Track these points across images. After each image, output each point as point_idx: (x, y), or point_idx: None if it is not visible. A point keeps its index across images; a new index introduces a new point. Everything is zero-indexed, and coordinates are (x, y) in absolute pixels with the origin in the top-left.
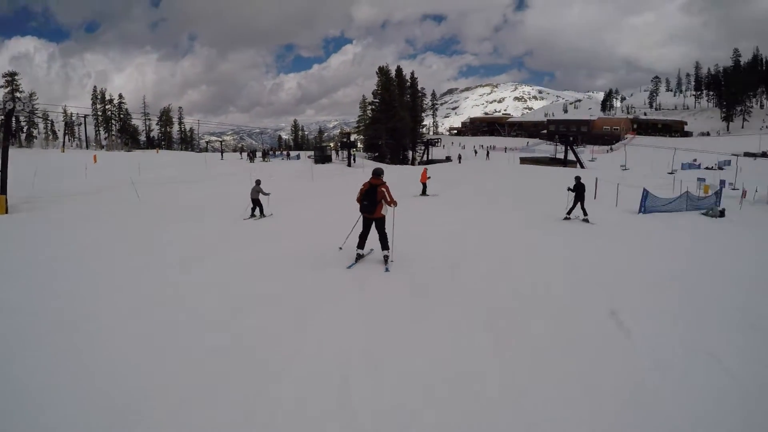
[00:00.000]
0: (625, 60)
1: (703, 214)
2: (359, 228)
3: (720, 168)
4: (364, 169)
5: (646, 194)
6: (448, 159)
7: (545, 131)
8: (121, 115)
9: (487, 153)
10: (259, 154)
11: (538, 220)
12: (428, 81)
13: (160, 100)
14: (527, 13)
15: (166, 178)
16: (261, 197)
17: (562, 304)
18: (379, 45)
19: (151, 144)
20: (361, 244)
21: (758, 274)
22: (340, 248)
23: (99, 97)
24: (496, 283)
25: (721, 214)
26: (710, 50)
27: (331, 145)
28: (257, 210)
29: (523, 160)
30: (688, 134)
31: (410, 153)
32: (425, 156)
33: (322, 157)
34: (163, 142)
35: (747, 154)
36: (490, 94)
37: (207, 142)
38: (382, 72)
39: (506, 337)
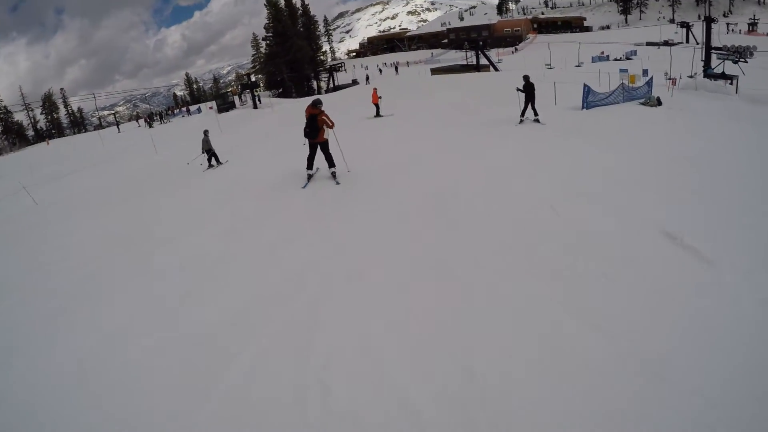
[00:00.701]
0: None
1: (641, 103)
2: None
3: (628, 58)
4: (273, 108)
5: (587, 90)
6: (354, 82)
7: (446, 41)
8: (1, 115)
9: (396, 69)
10: (156, 117)
11: (497, 126)
12: (317, 8)
13: (40, 87)
14: None
15: (67, 170)
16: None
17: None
18: None
19: (40, 137)
20: (309, 166)
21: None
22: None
23: None
24: (499, 206)
25: (659, 102)
26: None
27: (231, 90)
28: (213, 159)
29: (435, 71)
30: (588, 29)
31: (315, 83)
32: (330, 83)
33: (225, 105)
34: (53, 131)
35: (649, 44)
36: (382, 11)
37: (100, 119)
38: (271, 3)
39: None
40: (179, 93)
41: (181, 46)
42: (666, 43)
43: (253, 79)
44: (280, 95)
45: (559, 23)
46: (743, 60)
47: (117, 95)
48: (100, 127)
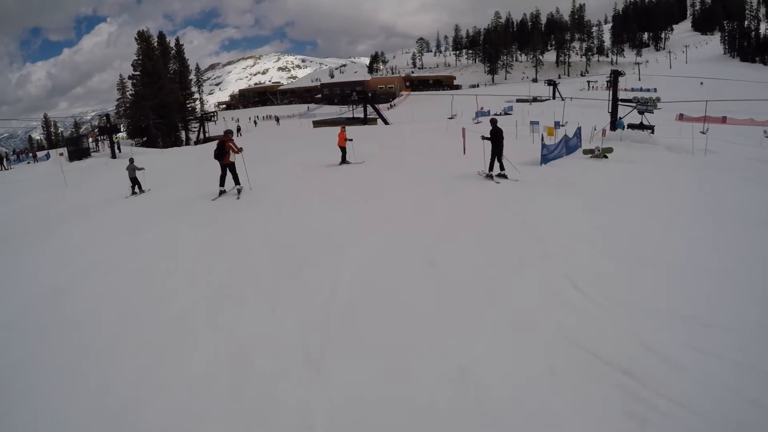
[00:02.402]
0: (383, 27)
1: (593, 157)
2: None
3: (506, 113)
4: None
5: (545, 146)
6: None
7: (319, 95)
8: None
9: (277, 120)
10: None
11: (461, 181)
12: (190, 57)
13: None
14: None
15: None
16: (137, 173)
17: None
18: (135, 22)
19: None
20: (221, 183)
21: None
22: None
23: None
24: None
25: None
26: (459, 16)
27: (91, 134)
28: (137, 187)
29: (317, 124)
30: (457, 87)
31: (184, 133)
32: (201, 134)
33: (78, 152)
34: None
35: (519, 100)
36: (253, 66)
37: None
38: (143, 38)
39: None
40: (37, 136)
41: (45, 85)
42: (535, 99)
43: (113, 121)
44: (144, 144)
45: (430, 81)
46: (650, 110)
47: None
48: None
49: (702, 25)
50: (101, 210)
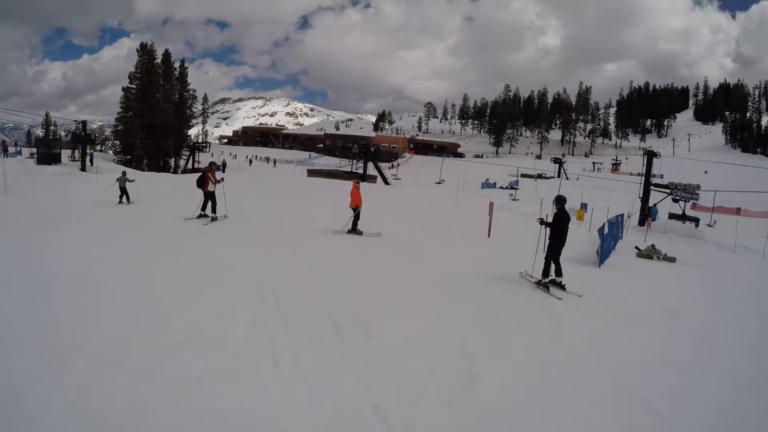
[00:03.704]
0: (393, 88)
1: (651, 257)
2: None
3: (512, 187)
4: (97, 176)
5: (605, 241)
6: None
7: (321, 145)
8: None
9: (274, 163)
10: None
11: (504, 291)
12: (203, 87)
13: None
14: (308, 33)
15: None
16: (127, 185)
17: None
18: (157, 43)
19: None
20: (202, 208)
21: None
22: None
23: None
24: None
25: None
26: (469, 87)
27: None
28: (124, 197)
29: (312, 173)
30: (461, 155)
31: (173, 160)
32: (190, 163)
33: (48, 156)
34: None
35: (524, 175)
36: (263, 107)
37: None
38: (144, 50)
39: None
40: (40, 132)
41: (59, 85)
42: (540, 176)
43: (91, 130)
44: (127, 162)
45: (434, 146)
46: (692, 199)
47: None
48: None
49: (704, 115)
50: None
